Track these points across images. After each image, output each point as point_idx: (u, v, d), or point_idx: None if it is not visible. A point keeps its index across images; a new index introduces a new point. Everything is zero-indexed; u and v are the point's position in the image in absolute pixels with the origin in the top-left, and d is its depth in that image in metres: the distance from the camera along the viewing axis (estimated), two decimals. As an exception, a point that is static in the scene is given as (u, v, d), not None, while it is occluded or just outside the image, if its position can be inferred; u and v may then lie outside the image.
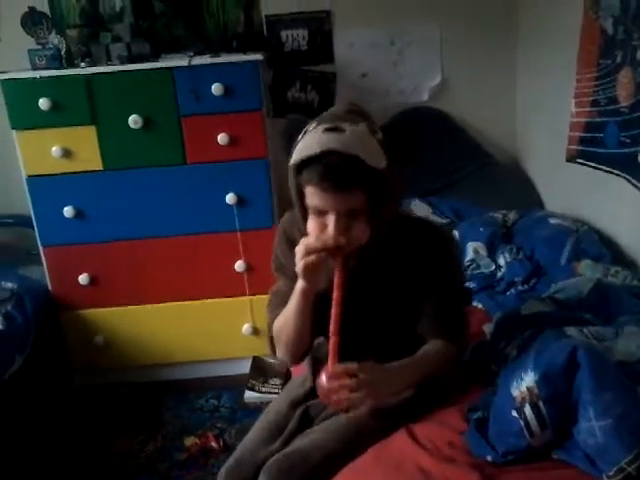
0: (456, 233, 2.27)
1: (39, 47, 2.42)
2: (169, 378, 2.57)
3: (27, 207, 2.39)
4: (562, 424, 1.19)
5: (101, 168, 2.35)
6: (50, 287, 2.46)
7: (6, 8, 2.61)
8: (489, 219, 2.34)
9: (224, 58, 2.32)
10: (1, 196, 2.72)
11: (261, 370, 2.50)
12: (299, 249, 1.21)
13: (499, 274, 2.08)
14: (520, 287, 1.99)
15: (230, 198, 2.35)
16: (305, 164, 1.18)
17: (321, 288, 1.27)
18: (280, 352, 1.39)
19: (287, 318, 1.32)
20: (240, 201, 2.36)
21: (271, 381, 2.45)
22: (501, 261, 2.12)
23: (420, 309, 1.35)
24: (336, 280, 1.21)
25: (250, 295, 2.45)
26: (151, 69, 2.28)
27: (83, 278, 2.42)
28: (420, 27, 2.77)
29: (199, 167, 2.35)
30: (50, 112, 2.27)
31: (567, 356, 1.18)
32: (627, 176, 1.94)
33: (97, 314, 2.48)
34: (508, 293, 2.00)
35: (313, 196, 1.20)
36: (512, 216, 2.36)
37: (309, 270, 1.21)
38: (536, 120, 2.72)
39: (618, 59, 1.95)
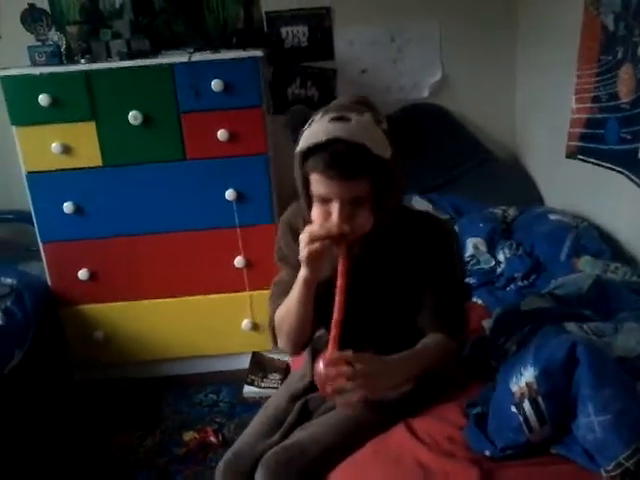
0: (456, 229, 2.27)
1: (39, 44, 2.42)
2: (168, 373, 2.57)
3: (27, 203, 2.39)
4: (561, 419, 1.19)
5: (101, 164, 2.35)
6: (50, 283, 2.46)
7: (6, 5, 2.61)
8: (489, 215, 2.35)
9: (224, 54, 2.31)
10: (1, 192, 2.72)
11: (260, 365, 2.50)
12: (303, 237, 1.21)
13: (499, 270, 2.09)
14: (520, 283, 2.00)
15: (230, 194, 2.35)
16: (311, 152, 1.20)
17: (324, 277, 1.28)
18: (281, 342, 1.40)
19: (289, 307, 1.33)
20: (240, 197, 2.36)
21: (270, 376, 2.45)
22: (501, 257, 2.12)
23: (420, 301, 1.35)
24: (340, 268, 1.21)
25: (250, 291, 2.45)
26: (151, 65, 2.28)
27: (83, 274, 2.42)
28: (420, 24, 2.77)
29: (199, 163, 2.35)
30: (50, 108, 2.27)
31: (566, 352, 1.18)
32: (627, 172, 1.94)
33: (97, 309, 2.48)
34: (508, 289, 2.01)
35: (318, 184, 1.21)
36: (512, 212, 2.36)
37: (313, 258, 1.22)
38: (536, 117, 2.72)
39: (619, 55, 1.94)
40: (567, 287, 1.74)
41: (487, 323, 1.67)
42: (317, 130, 1.19)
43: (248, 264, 2.43)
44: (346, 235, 1.20)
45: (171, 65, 2.27)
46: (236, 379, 2.48)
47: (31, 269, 2.52)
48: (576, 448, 1.17)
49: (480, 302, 1.91)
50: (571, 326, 1.43)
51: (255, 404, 2.25)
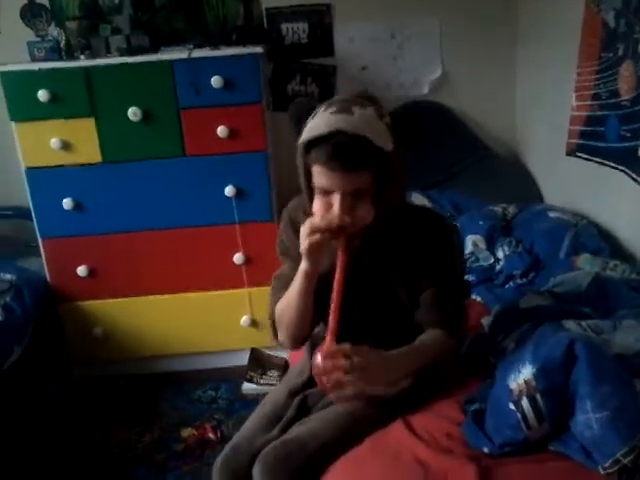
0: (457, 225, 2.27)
1: (38, 39, 2.42)
2: (167, 370, 2.57)
3: (26, 199, 2.39)
4: (559, 417, 1.19)
5: (100, 160, 2.35)
6: (49, 279, 2.46)
7: (5, 0, 2.60)
8: (488, 212, 2.35)
9: (224, 51, 2.31)
10: (0, 188, 2.72)
11: (259, 362, 2.50)
12: (304, 229, 1.22)
13: (498, 267, 2.08)
14: (519, 280, 2.00)
15: (229, 190, 2.34)
16: (313, 144, 1.20)
17: (324, 270, 1.28)
18: (281, 335, 1.40)
19: (289, 301, 1.33)
20: (239, 194, 2.36)
21: (269, 373, 2.45)
22: (500, 254, 2.12)
23: (419, 297, 1.35)
24: (339, 261, 1.22)
25: (249, 287, 2.45)
26: (151, 62, 2.28)
27: (82, 270, 2.42)
28: (420, 21, 2.77)
29: (198, 160, 2.35)
30: (49, 104, 2.26)
31: (565, 349, 1.18)
32: (627, 170, 1.94)
33: (96, 306, 2.48)
34: (507, 286, 2.00)
35: (320, 175, 1.21)
36: (511, 209, 2.36)
37: (313, 249, 1.22)
38: (536, 114, 2.71)
39: (620, 52, 1.94)
40: (566, 285, 1.74)
41: (486, 320, 1.67)
42: (320, 122, 1.20)
43: (247, 261, 2.43)
44: (347, 227, 1.21)
45: (171, 61, 2.26)
46: (235, 376, 2.48)
47: (30, 265, 2.52)
48: (574, 445, 1.17)
49: (479, 299, 1.91)
50: (570, 323, 1.43)
51: (254, 401, 2.25)
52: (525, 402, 1.19)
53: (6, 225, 2.78)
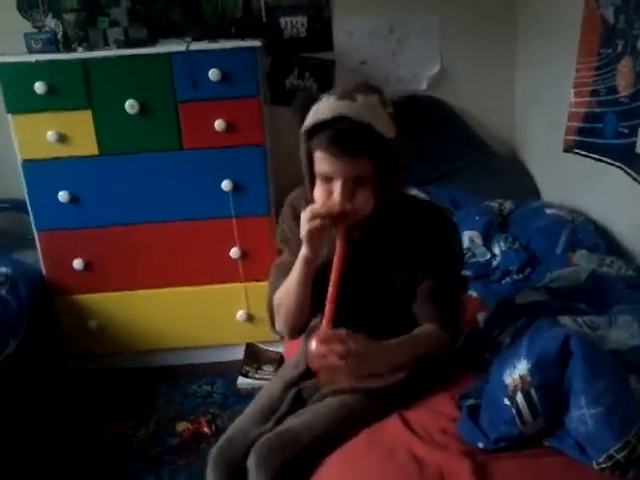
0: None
1: (35, 31, 2.41)
2: (162, 364, 2.56)
3: (22, 192, 2.38)
4: (554, 412, 1.19)
5: (97, 153, 2.34)
6: (44, 272, 2.46)
7: (2, -9, 2.59)
8: (485, 208, 2.35)
9: (222, 44, 2.30)
10: (-4, 180, 2.71)
11: (255, 357, 2.50)
12: (304, 215, 1.23)
13: (494, 263, 2.09)
14: (515, 276, 2.00)
15: (226, 184, 2.34)
16: (316, 129, 1.21)
17: (323, 261, 1.29)
18: (279, 324, 1.41)
19: (288, 289, 1.34)
20: (236, 188, 2.35)
21: (264, 367, 2.45)
22: (496, 250, 2.12)
23: (416, 289, 1.35)
24: (338, 248, 1.23)
25: (245, 282, 2.44)
26: (148, 54, 2.26)
27: (77, 263, 2.41)
28: (419, 17, 2.76)
29: (195, 153, 2.34)
30: (46, 96, 2.25)
31: (560, 344, 1.18)
32: (624, 167, 1.94)
33: (91, 299, 2.47)
34: (503, 282, 2.00)
35: (322, 161, 1.22)
36: (508, 205, 2.36)
37: (313, 235, 1.23)
38: (535, 111, 2.71)
39: (619, 48, 1.94)
40: (562, 281, 1.74)
41: (482, 316, 1.67)
42: (323, 108, 1.21)
43: (243, 255, 2.42)
44: (347, 214, 1.21)
45: (169, 54, 2.25)
46: (230, 370, 2.48)
47: (26, 258, 2.51)
48: (568, 440, 1.17)
49: (475, 295, 1.90)
50: (565, 319, 1.43)
51: (249, 395, 2.24)
52: (520, 397, 1.19)
53: (2, 218, 2.77)
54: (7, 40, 2.37)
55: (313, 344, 1.18)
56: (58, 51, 2.31)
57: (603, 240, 2.02)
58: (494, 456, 1.21)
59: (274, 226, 2.36)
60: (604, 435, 1.10)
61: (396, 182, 1.28)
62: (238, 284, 2.45)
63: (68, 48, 2.35)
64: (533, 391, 1.18)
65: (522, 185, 2.65)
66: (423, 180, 2.59)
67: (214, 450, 1.37)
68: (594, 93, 2.11)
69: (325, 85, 2.77)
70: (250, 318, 2.48)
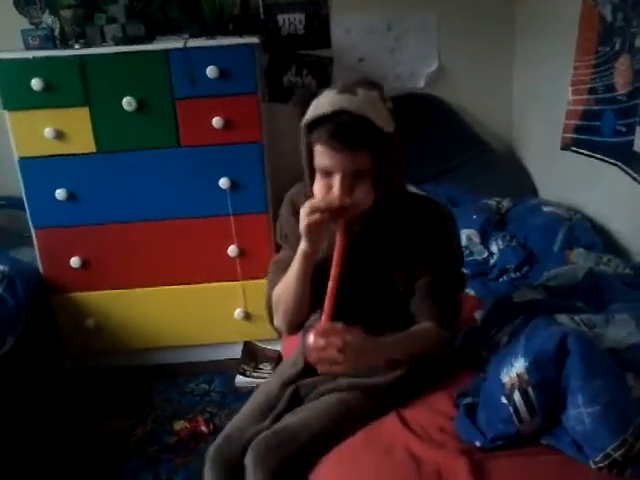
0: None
1: (32, 27, 2.39)
2: (160, 362, 2.56)
3: (19, 189, 2.37)
4: (551, 410, 1.19)
5: (94, 150, 2.33)
6: (41, 270, 2.45)
7: (-1, -13, 2.57)
8: (483, 206, 2.34)
9: (220, 41, 2.29)
10: (-7, 178, 2.70)
11: (252, 355, 2.50)
12: (304, 209, 1.23)
13: (492, 261, 2.09)
14: (512, 274, 2.00)
15: (224, 182, 2.33)
16: (317, 123, 1.21)
17: (322, 256, 1.29)
18: (278, 320, 1.40)
19: (287, 285, 1.34)
20: (234, 185, 2.34)
21: (262, 366, 2.45)
22: (494, 248, 2.12)
23: (414, 285, 1.36)
24: (338, 242, 1.23)
25: (242, 280, 2.44)
26: (146, 51, 2.25)
27: (75, 261, 2.41)
28: (416, 14, 2.76)
29: (193, 150, 2.34)
30: (43, 93, 2.24)
31: (557, 343, 1.18)
32: (622, 165, 1.94)
33: (88, 297, 2.47)
34: (500, 280, 2.01)
35: (322, 155, 1.22)
36: (506, 203, 2.36)
37: (312, 229, 1.23)
38: (533, 108, 2.71)
39: (617, 46, 1.94)
40: (560, 279, 1.74)
41: (479, 314, 1.67)
42: (324, 102, 1.21)
43: (241, 253, 2.42)
44: (346, 208, 1.22)
45: (166, 51, 2.24)
46: (228, 368, 2.47)
47: (23, 256, 2.50)
48: (565, 439, 1.18)
49: (472, 293, 1.91)
50: (562, 317, 1.43)
51: (247, 394, 2.21)
52: (517, 396, 1.19)
53: (-1, 215, 2.77)
54: (4, 36, 2.37)
55: (311, 337, 1.18)
56: (55, 48, 2.30)
57: (600, 238, 2.02)
58: (491, 454, 1.21)
59: (272, 224, 2.36)
60: (601, 433, 1.10)
61: (396, 177, 1.28)
62: (236, 282, 2.45)
63: (65, 45, 2.34)
64: (530, 389, 1.18)
65: (519, 183, 2.65)
66: (421, 178, 2.59)
67: (212, 448, 1.37)
68: (592, 91, 2.11)
69: (323, 82, 2.76)
70: (248, 316, 2.48)
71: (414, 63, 2.81)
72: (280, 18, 2.73)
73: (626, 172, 1.91)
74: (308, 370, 1.41)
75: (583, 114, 2.18)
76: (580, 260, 1.87)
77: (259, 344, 2.53)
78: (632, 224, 1.98)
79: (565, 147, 2.32)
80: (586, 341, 1.20)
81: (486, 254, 2.11)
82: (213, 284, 2.46)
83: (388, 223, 1.33)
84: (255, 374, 2.42)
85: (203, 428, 2.14)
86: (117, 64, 2.26)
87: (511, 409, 1.19)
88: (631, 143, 1.85)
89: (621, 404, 1.12)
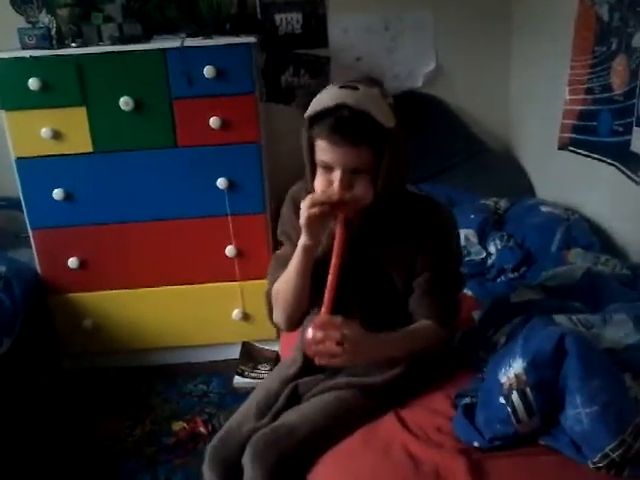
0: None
1: (29, 26, 2.39)
2: (158, 363, 2.55)
3: (16, 189, 2.36)
4: (549, 411, 1.19)
5: (91, 150, 2.32)
6: (39, 270, 2.44)
7: (-5, -14, 2.57)
8: (480, 206, 2.35)
9: (217, 40, 2.28)
10: (-11, 178, 2.70)
11: (250, 356, 2.50)
12: (304, 203, 1.24)
13: (489, 261, 2.09)
14: (510, 274, 2.00)
15: (221, 182, 2.33)
16: (318, 118, 1.23)
17: (322, 253, 1.30)
18: (277, 315, 1.41)
19: (287, 280, 1.34)
20: (231, 185, 2.34)
21: (260, 367, 2.44)
22: (492, 248, 2.12)
23: (413, 283, 1.36)
24: (338, 235, 1.24)
25: (240, 280, 2.44)
26: (143, 50, 2.25)
27: (72, 261, 2.40)
28: (413, 14, 2.76)
29: (190, 150, 2.33)
30: (40, 92, 2.23)
31: (555, 343, 1.19)
32: (619, 165, 1.94)
33: (86, 298, 2.46)
34: (498, 280, 2.01)
35: (323, 150, 1.24)
36: (503, 203, 2.36)
37: (312, 222, 1.24)
38: (529, 108, 2.71)
39: (613, 46, 1.94)
40: (557, 279, 1.75)
41: (477, 314, 1.67)
42: (325, 96, 1.23)
43: (239, 253, 2.41)
44: (346, 202, 1.23)
45: (163, 50, 2.24)
46: (226, 369, 2.47)
47: (20, 256, 2.50)
48: (564, 439, 1.18)
49: (470, 293, 1.91)
50: (560, 318, 1.44)
51: (245, 394, 2.21)
52: (515, 396, 1.19)
53: (-4, 215, 2.76)
54: (0, 35, 2.36)
55: (310, 330, 1.19)
56: (52, 47, 2.29)
57: (598, 238, 2.02)
58: (490, 454, 1.21)
59: (270, 224, 2.36)
60: (599, 434, 1.10)
61: (396, 173, 1.28)
62: (234, 283, 2.44)
63: (62, 44, 2.33)
64: (528, 390, 1.18)
65: (517, 182, 2.65)
66: (418, 177, 2.58)
67: (210, 446, 1.37)
68: (589, 91, 2.11)
69: (320, 82, 2.76)
70: (246, 317, 2.47)
71: (411, 63, 2.81)
72: (277, 17, 2.73)
73: (623, 172, 1.91)
74: (307, 368, 1.41)
75: (580, 114, 2.18)
76: (578, 260, 1.88)
77: (257, 345, 2.53)
78: (630, 224, 1.98)
79: (562, 147, 2.32)
80: (584, 341, 1.20)
81: (484, 254, 2.11)
82: (211, 284, 2.46)
83: (388, 220, 1.34)
84: (253, 375, 2.42)
85: (201, 429, 2.14)
86: (114, 64, 2.25)
87: (509, 409, 1.19)
88: (628, 143, 1.86)
89: (619, 404, 1.12)
